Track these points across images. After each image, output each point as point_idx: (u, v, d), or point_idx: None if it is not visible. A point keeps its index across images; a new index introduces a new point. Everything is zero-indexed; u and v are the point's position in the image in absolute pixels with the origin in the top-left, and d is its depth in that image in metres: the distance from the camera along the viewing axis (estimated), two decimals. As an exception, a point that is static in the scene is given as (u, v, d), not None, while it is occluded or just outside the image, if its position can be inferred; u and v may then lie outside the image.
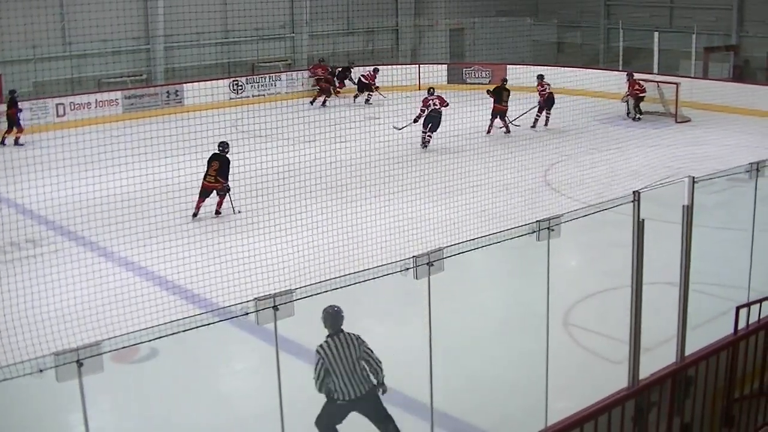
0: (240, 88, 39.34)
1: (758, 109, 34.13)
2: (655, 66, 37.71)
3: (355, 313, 14.95)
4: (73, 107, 34.14)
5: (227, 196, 21.80)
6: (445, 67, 42.58)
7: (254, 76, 40.43)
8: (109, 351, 6.88)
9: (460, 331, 13.86)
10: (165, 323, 7.25)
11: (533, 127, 32.52)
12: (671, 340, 10.22)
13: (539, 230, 9.21)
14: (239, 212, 21.54)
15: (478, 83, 40.46)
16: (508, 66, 40.78)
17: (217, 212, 21.86)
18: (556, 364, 10.06)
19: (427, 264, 8.45)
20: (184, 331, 7.24)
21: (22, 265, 17.86)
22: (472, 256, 8.99)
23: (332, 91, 39.25)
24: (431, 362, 8.93)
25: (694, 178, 9.88)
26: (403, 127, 28.63)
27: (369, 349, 10.75)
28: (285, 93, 39.74)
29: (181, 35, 37.19)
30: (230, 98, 38.29)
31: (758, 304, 10.90)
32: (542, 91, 33.20)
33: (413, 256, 8.46)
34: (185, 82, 37.86)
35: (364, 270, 8.33)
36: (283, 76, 41.29)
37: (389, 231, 18.19)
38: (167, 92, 37.35)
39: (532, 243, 9.23)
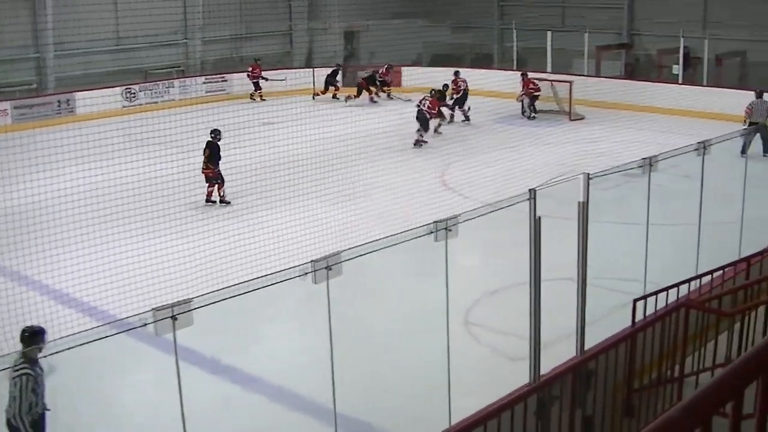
0: (133, 95, 38.85)
1: (650, 106, 34.73)
2: (549, 65, 38.17)
3: (256, 319, 14.95)
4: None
5: (215, 189, 22.86)
6: (340, 69, 42.53)
7: (147, 84, 39.94)
8: (3, 369, 6.75)
9: (361, 333, 13.86)
10: (62, 338, 7.12)
11: (450, 122, 32.83)
12: (571, 335, 10.32)
13: (437, 231, 9.23)
14: (228, 204, 22.63)
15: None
16: (403, 68, 40.99)
17: (208, 200, 22.86)
18: (459, 363, 10.09)
19: (326, 268, 8.43)
20: (81, 345, 7.11)
21: None
22: (372, 259, 8.98)
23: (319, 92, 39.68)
24: (333, 365, 8.90)
25: (588, 174, 9.99)
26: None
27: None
28: (179, 100, 39.34)
29: (73, 43, 36.65)
30: (123, 106, 37.79)
31: (654, 297, 11.07)
32: (457, 88, 33.56)
33: (311, 261, 8.42)
34: (77, 91, 37.22)
35: (263, 276, 8.28)
36: (177, 82, 40.88)
37: (288, 237, 18.11)
38: (58, 101, 36.72)
39: (431, 244, 9.24)
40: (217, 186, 22.94)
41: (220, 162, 22.94)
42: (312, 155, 24.04)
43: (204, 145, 23.27)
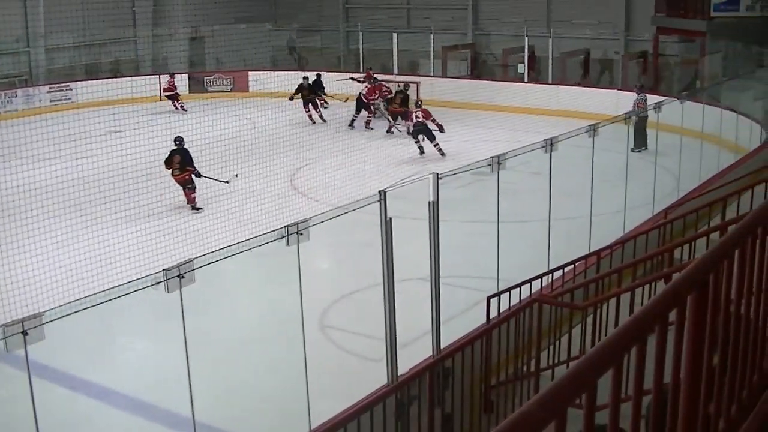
0: (-27, 106, 37.91)
1: (496, 104, 35.27)
2: (395, 66, 38.43)
3: (111, 331, 14.70)
4: None
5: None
6: (185, 76, 42.14)
7: (-10, 93, 39.01)
8: None
9: (217, 341, 13.74)
10: None
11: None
12: (427, 335, 10.40)
13: (288, 235, 9.20)
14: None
15: (220, 91, 40.29)
16: (249, 72, 40.83)
17: (194, 207, 22.83)
18: (316, 367, 10.07)
19: (178, 276, 8.33)
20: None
21: None
22: (225, 266, 8.91)
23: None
24: (190, 375, 8.80)
25: (437, 174, 10.07)
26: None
27: None
28: (22, 109, 38.51)
29: None
30: (-37, 117, 36.86)
31: (508, 293, 11.23)
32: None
33: (163, 270, 8.32)
34: None
35: (115, 287, 8.15)
36: (20, 92, 39.98)
37: (139, 247, 17.85)
38: None
39: (285, 249, 9.21)
40: (189, 190, 22.92)
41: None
42: (160, 163, 23.74)
43: (168, 155, 23.28)
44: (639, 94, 28.98)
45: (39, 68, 42.76)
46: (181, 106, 38.64)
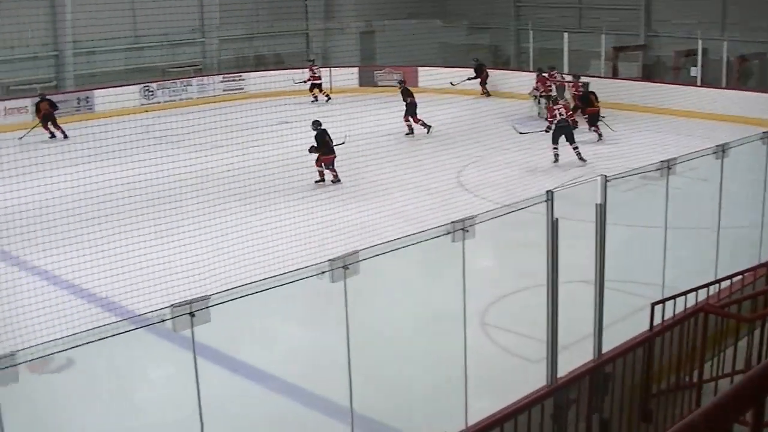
0: (151, 93, 38.97)
1: (667, 108, 34.58)
2: (565, 66, 38.07)
3: (273, 317, 14.97)
4: (-21, 116, 33.61)
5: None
6: (356, 70, 42.56)
7: (165, 82, 40.05)
8: (24, 362, 6.77)
9: (377, 333, 13.84)
10: (80, 332, 7.15)
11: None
12: (588, 338, 10.30)
13: (454, 231, 9.21)
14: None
15: (390, 86, 40.48)
16: (419, 68, 40.94)
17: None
18: (475, 365, 10.07)
19: (343, 267, 8.41)
20: (99, 339, 7.13)
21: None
22: (388, 259, 8.97)
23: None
24: (350, 365, 8.89)
25: (606, 176, 9.97)
26: (525, 132, 28.66)
27: None
28: (196, 98, 39.46)
29: (91, 41, 36.80)
30: (141, 104, 37.94)
31: (672, 301, 11.03)
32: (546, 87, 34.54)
33: (329, 260, 8.41)
34: (96, 89, 37.43)
35: (281, 274, 8.29)
36: (194, 81, 40.99)
37: (304, 235, 18.12)
38: (78, 99, 36.88)
39: (448, 244, 9.23)
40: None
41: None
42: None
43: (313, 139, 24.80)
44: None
45: (212, 58, 43.74)
46: (326, 97, 39.23)
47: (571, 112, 28.92)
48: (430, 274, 16.50)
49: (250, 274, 13.04)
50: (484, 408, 9.30)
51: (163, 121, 24.76)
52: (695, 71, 36.44)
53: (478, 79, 39.63)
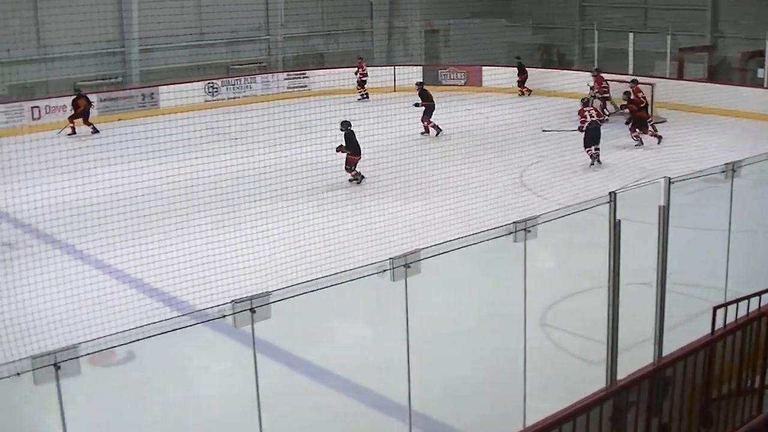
0: (215, 90, 39.25)
1: (733, 110, 34.19)
2: (630, 67, 37.80)
3: (332, 313, 15.03)
4: (48, 110, 33.95)
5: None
6: (420, 68, 42.53)
7: (229, 79, 40.33)
8: (87, 354, 6.85)
9: (436, 332, 13.85)
10: (142, 326, 7.22)
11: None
12: (648, 341, 10.24)
13: (516, 231, 9.20)
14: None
15: (454, 85, 40.45)
16: (483, 67, 40.88)
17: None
18: (534, 365, 10.05)
19: (404, 266, 8.42)
20: (160, 333, 7.21)
21: (-1, 268, 17.82)
22: (449, 258, 8.97)
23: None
24: (409, 363, 8.91)
25: (669, 178, 9.90)
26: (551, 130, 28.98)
27: None
28: (260, 95, 39.66)
29: (156, 38, 37.14)
30: (205, 101, 38.22)
31: (735, 305, 10.93)
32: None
33: (390, 258, 8.43)
34: (160, 85, 37.77)
35: (342, 272, 8.32)
36: (259, 78, 41.22)
37: (365, 233, 18.18)
38: (142, 95, 37.26)
39: (509, 244, 9.22)
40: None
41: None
42: (391, 152, 24.08)
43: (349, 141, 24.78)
44: None
45: (276, 56, 43.99)
46: (365, 95, 39.31)
47: (600, 113, 29.11)
48: (490, 273, 16.49)
49: (311, 272, 13.12)
50: (543, 409, 9.27)
51: (227, 118, 24.89)
52: (762, 72, 35.99)
53: (518, 79, 39.62)
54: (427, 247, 8.75)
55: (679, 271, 11.36)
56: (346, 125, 24.61)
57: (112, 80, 38.74)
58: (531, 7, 46.41)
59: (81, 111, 32.96)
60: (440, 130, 31.37)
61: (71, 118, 32.81)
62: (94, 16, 32.58)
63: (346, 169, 24.47)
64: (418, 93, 32.42)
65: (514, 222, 9.24)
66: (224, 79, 40.11)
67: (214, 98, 38.81)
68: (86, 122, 33.02)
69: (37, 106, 33.77)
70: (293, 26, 43.44)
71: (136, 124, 30.34)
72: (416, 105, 31.58)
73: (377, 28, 46.96)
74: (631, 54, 38.07)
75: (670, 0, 42.49)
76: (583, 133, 27.32)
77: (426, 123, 31.46)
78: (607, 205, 9.38)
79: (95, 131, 32.66)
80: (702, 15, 41.70)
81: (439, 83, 41.89)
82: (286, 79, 41.17)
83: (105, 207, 19.31)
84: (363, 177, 24.68)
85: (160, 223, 18.36)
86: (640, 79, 35.09)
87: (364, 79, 40.32)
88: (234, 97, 39.34)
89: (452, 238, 9.09)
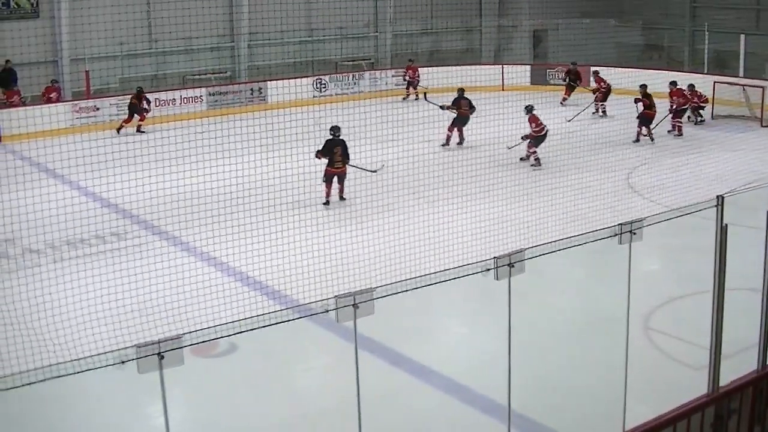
0: (323, 86, 39.50)
1: None
2: (741, 69, 37.18)
3: (434, 311, 15.08)
4: (158, 103, 34.49)
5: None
6: (528, 68, 42.33)
7: (337, 75, 40.57)
8: (190, 345, 6.98)
9: (538, 333, 13.83)
10: (245, 319, 7.33)
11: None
12: (753, 348, 10.12)
13: (621, 233, 9.17)
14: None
15: (561, 85, 40.13)
16: (592, 68, 40.49)
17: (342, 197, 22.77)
18: (635, 369, 10.00)
19: (508, 265, 8.43)
20: (263, 326, 7.31)
21: (107, 258, 18.15)
22: (552, 258, 8.97)
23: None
24: (510, 363, 8.92)
25: (780, 183, 9.79)
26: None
27: None
28: (368, 92, 39.81)
29: (265, 33, 37.46)
30: (313, 96, 38.45)
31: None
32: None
33: (494, 257, 8.44)
34: (269, 80, 38.07)
35: (446, 270, 8.35)
36: (367, 74, 41.40)
37: (470, 232, 18.20)
38: (251, 90, 37.64)
39: (614, 246, 9.19)
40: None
41: None
42: (496, 152, 24.06)
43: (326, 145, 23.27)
44: None
45: (385, 53, 44.18)
46: (415, 95, 39.12)
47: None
48: (594, 275, 16.40)
49: (415, 269, 13.18)
50: (643, 413, 9.23)
51: (335, 114, 25.04)
52: None
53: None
54: (532, 247, 8.76)
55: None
56: (335, 130, 23.11)
57: (222, 75, 39.24)
58: (641, 7, 45.87)
59: (142, 108, 33.06)
60: (463, 139, 29.97)
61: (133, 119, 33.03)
62: (205, 11, 33.02)
63: (323, 180, 22.94)
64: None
65: (619, 224, 9.21)
66: (332, 75, 40.33)
67: (322, 94, 39.02)
68: (129, 121, 32.98)
69: (148, 100, 34.23)
70: (403, 24, 43.55)
71: (245, 119, 30.71)
72: (442, 107, 30.46)
73: (486, 27, 46.85)
74: (742, 56, 37.44)
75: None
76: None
77: (450, 132, 30.54)
78: (714, 209, 9.30)
79: (120, 128, 32.64)
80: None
81: (547, 83, 41.66)
82: (393, 76, 41.26)
83: (213, 200, 19.59)
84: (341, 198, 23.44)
85: (265, 217, 18.55)
86: (751, 81, 34.53)
87: (415, 81, 40.00)
88: (342, 93, 39.52)
89: (557, 239, 9.08)
